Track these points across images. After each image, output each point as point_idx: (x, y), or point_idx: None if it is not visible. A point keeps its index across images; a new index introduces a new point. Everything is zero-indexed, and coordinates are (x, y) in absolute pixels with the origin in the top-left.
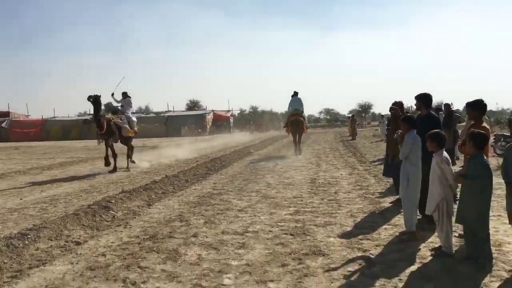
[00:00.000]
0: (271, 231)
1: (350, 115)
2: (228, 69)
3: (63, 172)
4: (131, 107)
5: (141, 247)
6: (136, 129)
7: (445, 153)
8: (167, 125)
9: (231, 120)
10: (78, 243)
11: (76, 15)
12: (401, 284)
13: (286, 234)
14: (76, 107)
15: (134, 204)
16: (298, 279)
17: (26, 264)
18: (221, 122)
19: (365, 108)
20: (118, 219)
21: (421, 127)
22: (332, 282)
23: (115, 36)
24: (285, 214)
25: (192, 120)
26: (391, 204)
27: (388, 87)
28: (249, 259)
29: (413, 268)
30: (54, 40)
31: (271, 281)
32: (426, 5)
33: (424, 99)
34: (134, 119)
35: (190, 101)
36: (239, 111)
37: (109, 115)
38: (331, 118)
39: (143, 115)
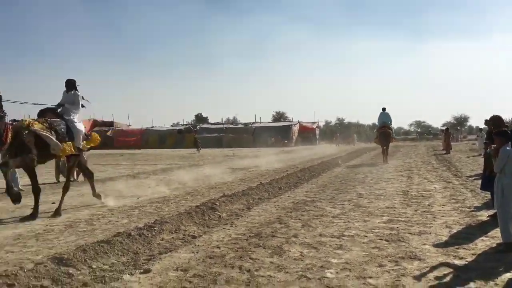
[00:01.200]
0: (366, 236)
1: (444, 127)
2: (314, 80)
3: (166, 177)
4: (79, 107)
5: (249, 243)
6: (84, 143)
7: None
8: (255, 135)
9: (317, 131)
10: (194, 237)
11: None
12: (494, 284)
13: (381, 239)
14: (171, 118)
15: (235, 207)
16: (395, 277)
17: (156, 251)
18: (307, 134)
19: (460, 121)
20: (224, 219)
21: None
22: (428, 283)
23: (204, 48)
24: (379, 222)
25: (279, 131)
26: (488, 218)
27: (487, 99)
28: (348, 258)
29: (509, 275)
30: (148, 55)
31: (370, 277)
32: None
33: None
34: (82, 127)
35: (276, 112)
36: (324, 123)
37: (28, 121)
38: (422, 131)
39: (232, 126)
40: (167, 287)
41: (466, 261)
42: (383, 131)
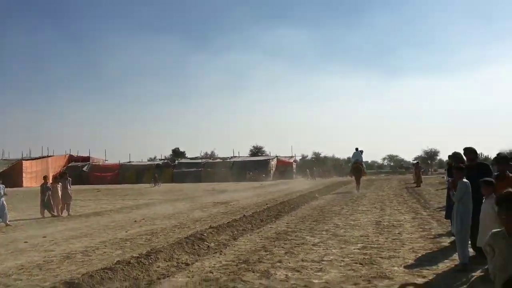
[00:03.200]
0: (343, 260)
1: (415, 161)
2: (291, 115)
3: (150, 211)
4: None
5: (238, 268)
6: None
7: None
8: (233, 169)
9: (294, 165)
10: (187, 264)
11: (144, 65)
12: None
13: (356, 263)
14: (149, 152)
15: (222, 237)
16: None
17: (155, 276)
18: (284, 168)
19: (431, 155)
20: (213, 248)
21: (472, 174)
22: None
23: (183, 86)
24: (354, 249)
25: (257, 166)
26: (449, 244)
27: (456, 134)
28: (327, 278)
29: None
30: (126, 91)
31: None
32: (496, 49)
33: (472, 152)
34: None
35: (253, 147)
36: (300, 157)
37: None
38: (395, 165)
39: (210, 160)
40: None
41: (428, 279)
42: (356, 166)
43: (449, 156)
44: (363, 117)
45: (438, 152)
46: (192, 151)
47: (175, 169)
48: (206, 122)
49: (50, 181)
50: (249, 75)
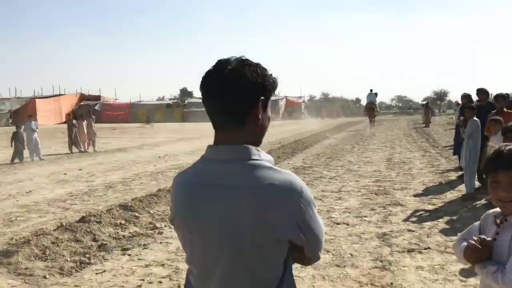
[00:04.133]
0: (360, 191)
1: (424, 102)
2: (301, 54)
3: (171, 148)
4: None
5: None
6: None
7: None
8: None
9: (303, 106)
10: None
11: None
12: (456, 219)
13: (371, 193)
14: (157, 92)
15: None
16: (384, 217)
17: None
18: (293, 108)
19: (440, 96)
20: None
21: (482, 113)
22: (409, 218)
23: (191, 20)
24: (368, 182)
25: None
26: (457, 178)
27: (466, 74)
28: (347, 205)
29: (469, 214)
30: (133, 28)
31: (365, 216)
32: None
33: (484, 93)
34: None
35: None
36: (308, 98)
37: None
38: (403, 106)
39: None
40: None
41: (437, 206)
42: (370, 107)
43: (462, 97)
44: (372, 58)
45: (447, 92)
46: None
47: (185, 108)
48: (213, 61)
49: (74, 118)
50: (260, 11)
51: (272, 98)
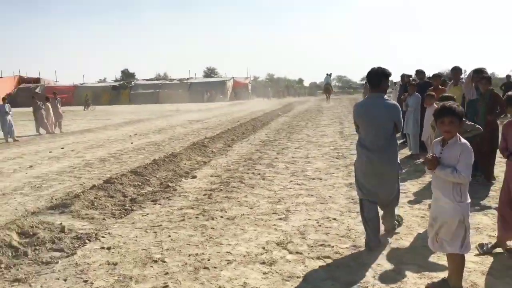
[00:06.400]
0: (323, 157)
1: (364, 82)
2: (245, 35)
3: (136, 128)
4: None
5: (247, 163)
6: None
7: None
8: (190, 91)
9: (249, 87)
10: (205, 162)
11: None
12: (405, 172)
13: (333, 158)
14: (97, 74)
15: (219, 145)
16: (347, 173)
17: (188, 169)
18: (240, 89)
19: None
20: (216, 153)
21: (420, 90)
22: None
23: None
24: (328, 150)
25: (214, 87)
26: (400, 143)
27: (405, 53)
28: (316, 167)
29: (412, 168)
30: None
31: (333, 173)
32: None
33: (421, 73)
34: None
35: (207, 68)
36: (253, 79)
37: None
38: (343, 85)
39: (167, 82)
40: (212, 183)
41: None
42: (327, 87)
43: (401, 76)
44: (313, 38)
45: None
46: (142, 73)
47: (131, 90)
48: (156, 42)
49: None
50: None
51: (220, 79)
